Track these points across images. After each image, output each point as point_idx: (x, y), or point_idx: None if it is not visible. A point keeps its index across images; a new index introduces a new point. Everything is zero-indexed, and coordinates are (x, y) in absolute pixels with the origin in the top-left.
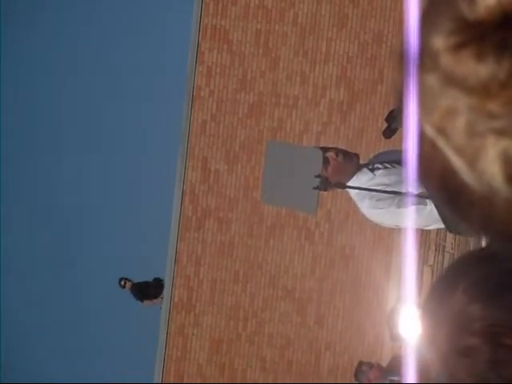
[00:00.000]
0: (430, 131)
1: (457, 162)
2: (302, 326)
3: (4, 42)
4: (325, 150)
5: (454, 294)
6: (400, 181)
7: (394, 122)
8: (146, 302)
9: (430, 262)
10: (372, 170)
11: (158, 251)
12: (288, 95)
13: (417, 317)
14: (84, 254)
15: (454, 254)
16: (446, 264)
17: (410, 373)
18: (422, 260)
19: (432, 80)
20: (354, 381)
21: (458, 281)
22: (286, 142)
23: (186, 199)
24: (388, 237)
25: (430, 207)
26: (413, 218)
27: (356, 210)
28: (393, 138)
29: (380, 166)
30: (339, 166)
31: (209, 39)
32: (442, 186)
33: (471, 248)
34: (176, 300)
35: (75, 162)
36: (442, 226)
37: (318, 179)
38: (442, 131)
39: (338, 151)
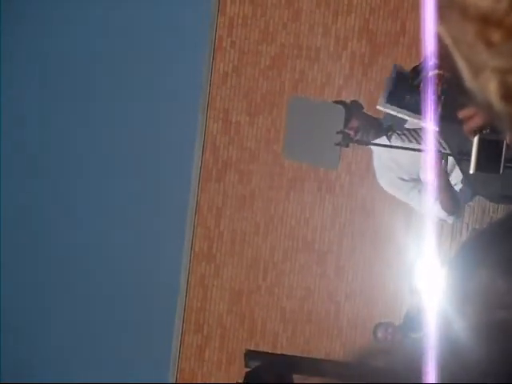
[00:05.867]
0: (446, 37)
1: (464, 69)
2: (321, 278)
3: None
4: (345, 119)
5: (479, 271)
6: (416, 159)
7: (417, 78)
8: None
9: None
10: (389, 138)
11: (179, 202)
12: (310, 47)
13: (436, 271)
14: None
15: (474, 208)
16: (466, 219)
17: (430, 329)
18: None
19: None
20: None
21: (482, 257)
22: (307, 98)
23: (206, 151)
24: None
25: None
26: (431, 209)
27: None
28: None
29: (399, 132)
30: (357, 140)
31: None
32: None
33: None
34: (197, 250)
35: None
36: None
37: (339, 135)
38: (455, 39)
39: (357, 129)
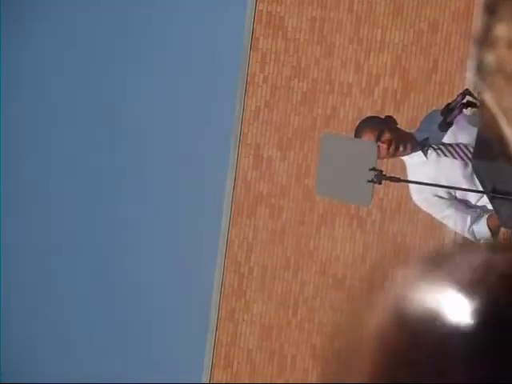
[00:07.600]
0: (493, 105)
1: (510, 135)
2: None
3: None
4: (379, 131)
5: None
6: (452, 175)
7: (450, 115)
8: None
9: None
10: (425, 153)
11: (210, 236)
12: (342, 83)
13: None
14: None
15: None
16: None
17: None
18: None
19: (490, 58)
20: None
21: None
22: (340, 135)
23: (238, 185)
24: (440, 225)
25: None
26: (469, 228)
27: (408, 199)
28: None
29: (434, 146)
30: (389, 156)
31: (263, 25)
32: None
33: None
34: (227, 285)
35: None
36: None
37: (372, 172)
38: (502, 106)
39: (390, 142)
